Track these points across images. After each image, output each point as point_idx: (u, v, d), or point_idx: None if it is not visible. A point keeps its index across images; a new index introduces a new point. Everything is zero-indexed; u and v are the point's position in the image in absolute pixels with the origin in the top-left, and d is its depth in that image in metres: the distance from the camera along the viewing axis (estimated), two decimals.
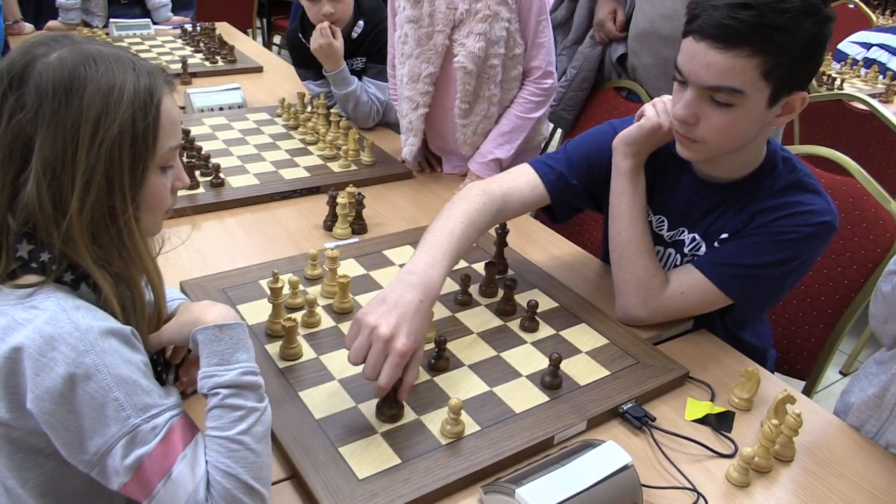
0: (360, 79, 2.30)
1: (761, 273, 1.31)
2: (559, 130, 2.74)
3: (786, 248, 1.29)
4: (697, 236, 1.41)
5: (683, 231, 1.43)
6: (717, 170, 1.37)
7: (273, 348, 1.26)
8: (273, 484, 1.03)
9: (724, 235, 1.37)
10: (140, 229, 0.91)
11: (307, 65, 2.37)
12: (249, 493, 0.87)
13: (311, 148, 2.13)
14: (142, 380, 0.86)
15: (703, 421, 1.21)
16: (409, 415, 1.14)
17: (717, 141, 1.25)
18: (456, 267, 1.57)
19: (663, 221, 1.46)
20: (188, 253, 1.58)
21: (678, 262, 1.44)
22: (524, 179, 1.45)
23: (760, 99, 1.19)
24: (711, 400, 1.26)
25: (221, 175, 1.86)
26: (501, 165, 2.01)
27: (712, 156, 1.30)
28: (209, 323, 0.93)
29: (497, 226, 1.54)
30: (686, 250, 1.43)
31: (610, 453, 1.02)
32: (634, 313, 1.38)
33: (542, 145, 2.23)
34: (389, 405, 1.12)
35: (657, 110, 1.38)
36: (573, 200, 1.51)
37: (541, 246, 1.73)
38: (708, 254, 1.38)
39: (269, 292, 1.30)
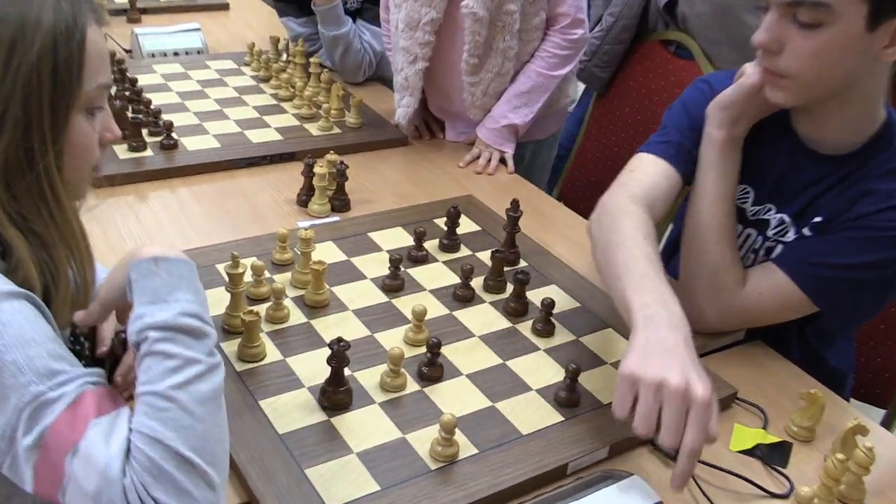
0: (353, 21, 2.30)
1: (859, 277, 1.29)
2: (577, 95, 2.72)
3: (891, 247, 1.27)
4: (787, 218, 1.40)
5: (770, 209, 1.42)
6: (823, 132, 1.34)
7: (230, 347, 1.26)
8: None
9: (819, 219, 1.35)
10: (63, 182, 0.91)
11: None
12: (184, 467, 0.81)
13: (285, 105, 2.13)
14: (49, 343, 0.83)
15: (751, 452, 1.21)
16: (392, 432, 1.14)
17: (805, 74, 1.23)
18: (456, 255, 1.57)
19: (748, 193, 1.45)
20: (130, 229, 1.59)
21: (757, 246, 1.44)
22: (653, 169, 1.44)
23: (855, 18, 1.17)
24: (764, 427, 1.26)
25: (174, 135, 1.86)
26: (517, 132, 2.01)
27: (807, 99, 1.28)
28: (145, 256, 0.91)
29: (510, 205, 1.54)
30: (770, 233, 1.42)
31: (635, 489, 1.03)
32: (699, 312, 1.35)
33: (570, 110, 2.23)
34: (337, 384, 1.13)
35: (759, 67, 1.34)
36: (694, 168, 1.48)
37: (562, 232, 1.73)
38: (793, 247, 1.37)
39: (227, 279, 1.30)
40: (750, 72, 1.35)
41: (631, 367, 1.03)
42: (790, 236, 1.40)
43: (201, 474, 0.82)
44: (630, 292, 1.15)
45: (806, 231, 1.37)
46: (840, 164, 1.35)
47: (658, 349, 1.05)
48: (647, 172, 1.43)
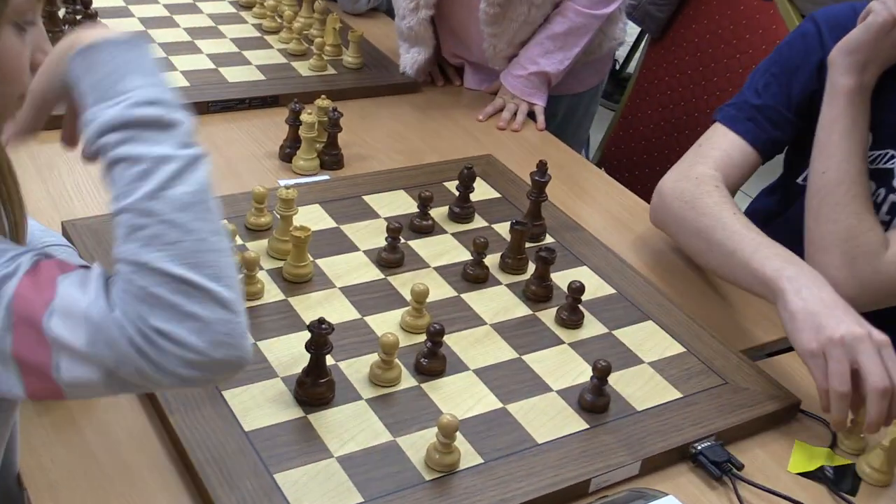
0: None
1: None
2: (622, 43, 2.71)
3: None
4: None
5: (892, 156, 1.45)
6: None
7: None
8: None
9: None
10: None
11: None
12: (181, 288, 0.80)
13: (269, 38, 2.14)
14: None
15: (814, 475, 1.22)
16: (381, 435, 1.16)
17: None
18: (468, 226, 1.58)
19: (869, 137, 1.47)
20: (77, 181, 1.60)
21: (880, 201, 1.48)
22: (726, 144, 1.56)
23: None
24: (832, 447, 1.27)
25: None
26: (550, 82, 2.01)
27: None
28: (78, 46, 0.87)
29: (536, 167, 1.55)
30: (895, 183, 1.45)
31: None
32: (838, 283, 1.35)
33: (614, 56, 2.22)
34: (317, 375, 1.16)
35: (888, 3, 1.38)
36: (791, 137, 1.59)
37: (599, 203, 1.74)
38: None
39: None
40: (878, 9, 1.38)
41: (810, 339, 1.23)
42: None
43: (204, 292, 0.80)
44: (756, 264, 1.34)
45: None
46: None
47: (821, 307, 1.25)
48: (718, 147, 1.55)
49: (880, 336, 1.22)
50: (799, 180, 1.61)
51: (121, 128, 0.83)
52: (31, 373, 0.83)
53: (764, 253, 1.35)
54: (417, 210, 1.55)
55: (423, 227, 1.54)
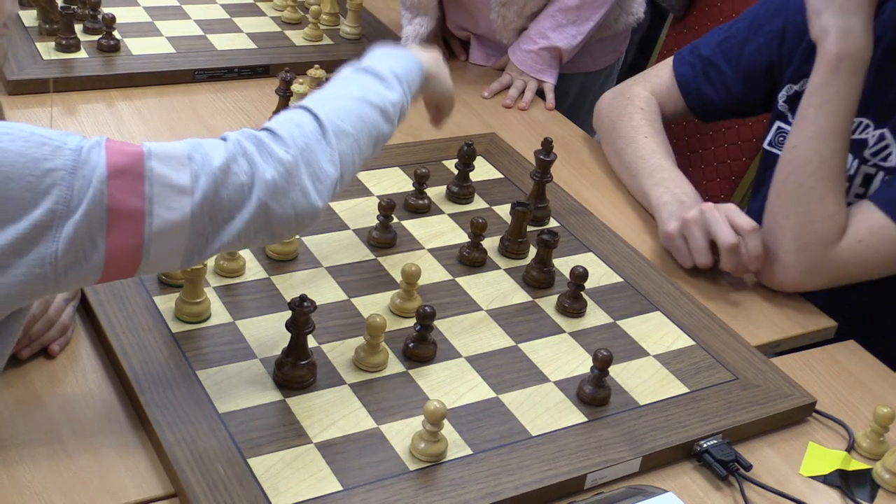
0: None
1: None
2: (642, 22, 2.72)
3: None
4: (888, 133, 1.46)
5: (867, 126, 1.49)
6: None
7: (166, 302, 1.29)
8: (146, 503, 1.06)
9: None
10: None
11: None
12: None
13: (262, 5, 2.15)
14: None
15: (829, 480, 1.23)
16: (363, 421, 1.17)
17: None
18: (467, 207, 1.59)
19: None
20: None
21: (853, 172, 1.52)
22: (667, 77, 1.79)
23: None
24: (848, 450, 1.27)
25: (116, 34, 1.89)
26: (561, 58, 2.02)
27: None
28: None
29: (541, 145, 1.56)
30: (867, 154, 1.49)
31: None
32: (781, 268, 1.45)
33: (631, 33, 2.23)
34: (297, 356, 1.17)
35: None
36: (724, 100, 1.74)
37: (608, 187, 1.75)
38: (894, 181, 1.42)
39: None
40: None
41: (671, 222, 1.51)
42: (893, 159, 1.44)
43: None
44: (647, 189, 1.62)
45: None
46: None
47: (683, 209, 1.51)
48: (659, 76, 1.78)
49: (725, 205, 1.47)
50: (764, 144, 1.69)
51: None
52: (120, 228, 0.94)
53: (656, 179, 1.61)
54: (413, 188, 1.56)
55: (418, 206, 1.55)
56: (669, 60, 1.80)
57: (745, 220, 1.46)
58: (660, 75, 1.79)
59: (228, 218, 1.01)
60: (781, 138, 1.64)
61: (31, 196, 0.90)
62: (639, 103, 1.75)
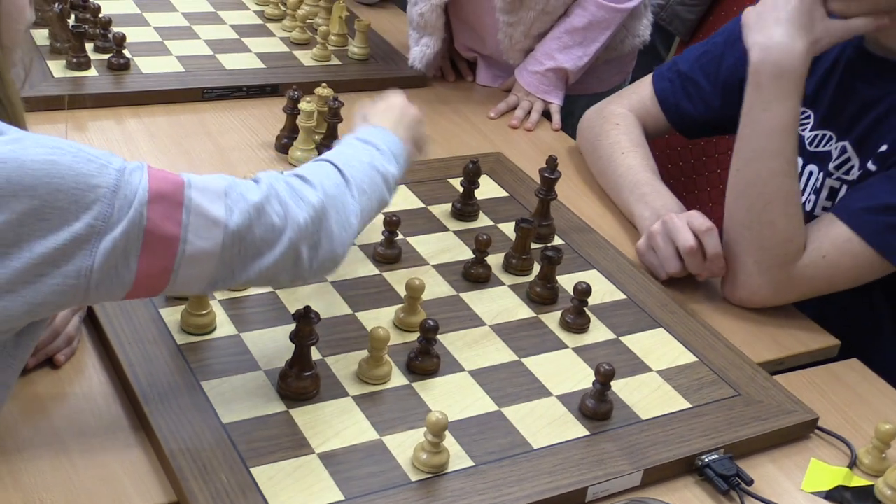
0: None
1: None
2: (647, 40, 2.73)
3: None
4: (849, 147, 1.48)
5: (829, 137, 1.50)
6: (891, 39, 1.44)
7: (172, 315, 1.30)
8: None
9: (884, 147, 1.42)
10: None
11: None
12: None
13: (272, 26, 2.17)
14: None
15: (831, 496, 1.23)
16: (366, 432, 1.18)
17: None
18: (472, 224, 1.60)
19: (808, 117, 1.54)
20: None
21: (819, 185, 1.53)
22: (646, 94, 1.81)
23: None
24: (850, 466, 1.27)
25: (127, 53, 1.91)
26: (567, 79, 2.03)
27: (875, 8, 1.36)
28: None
29: (546, 163, 1.57)
30: (831, 167, 1.51)
31: None
32: (749, 289, 1.47)
33: (637, 55, 2.25)
34: (301, 368, 1.19)
35: None
36: (703, 115, 1.75)
37: (613, 206, 1.75)
38: (853, 193, 1.43)
39: None
40: None
41: (641, 240, 1.56)
42: (855, 172, 1.46)
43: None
44: (630, 204, 1.66)
45: (871, 165, 1.43)
46: None
47: (664, 224, 1.52)
48: (638, 93, 1.81)
49: (687, 213, 1.51)
50: None
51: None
52: (153, 250, 0.97)
53: (637, 195, 1.65)
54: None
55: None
56: (649, 78, 1.82)
57: (700, 222, 1.48)
58: (639, 92, 1.82)
59: (257, 255, 1.04)
60: None
61: (74, 209, 0.92)
62: (614, 120, 1.78)
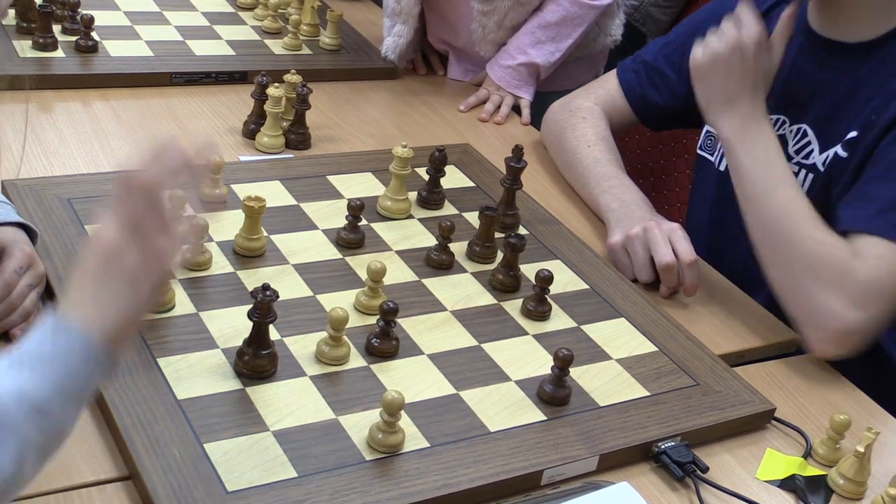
0: None
1: None
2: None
3: None
4: (809, 130, 1.51)
5: (783, 122, 1.52)
6: (840, 24, 1.48)
7: None
8: (99, 484, 1.07)
9: (854, 134, 1.45)
10: None
11: None
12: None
13: (244, 15, 2.18)
14: None
15: (785, 484, 1.24)
16: (322, 412, 1.18)
17: None
18: (437, 212, 1.61)
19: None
20: (26, 145, 1.62)
21: None
22: (612, 87, 1.83)
23: None
24: (805, 456, 1.28)
25: (95, 35, 1.91)
26: (539, 74, 2.04)
27: None
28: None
29: (511, 153, 1.58)
30: (791, 151, 1.53)
31: (621, 499, 1.05)
32: (842, 318, 1.37)
33: (609, 54, 2.26)
34: (258, 346, 1.18)
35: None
36: (669, 104, 1.77)
37: (580, 201, 1.76)
38: (853, 204, 1.43)
39: None
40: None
41: (615, 235, 1.55)
42: (816, 156, 1.48)
43: None
44: (596, 197, 1.67)
45: (841, 151, 1.45)
46: (865, 55, 1.45)
47: (630, 219, 1.56)
48: (604, 87, 1.84)
49: (669, 224, 1.52)
50: (698, 149, 1.75)
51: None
52: None
53: (603, 187, 1.66)
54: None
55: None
56: (613, 72, 1.84)
57: (685, 250, 1.49)
58: (605, 86, 1.84)
59: None
60: (709, 141, 1.71)
61: None
62: (581, 114, 1.79)
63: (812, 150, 1.52)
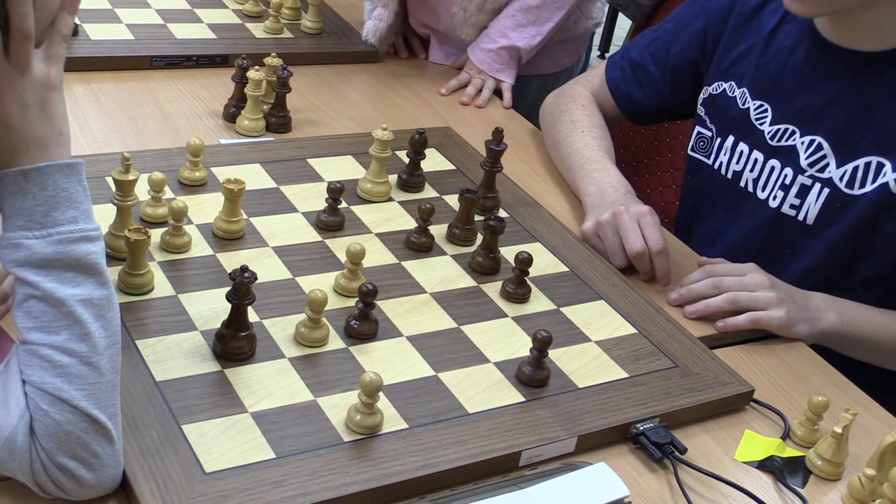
0: None
1: None
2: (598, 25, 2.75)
3: None
4: (824, 143, 1.49)
5: (793, 133, 1.51)
6: (856, 31, 1.46)
7: (111, 274, 1.29)
8: None
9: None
10: None
11: None
12: (91, 427, 0.96)
13: None
14: None
15: (763, 465, 1.25)
16: (301, 393, 1.18)
17: None
18: (417, 195, 1.60)
19: (765, 110, 1.55)
20: None
21: (788, 182, 1.53)
22: (603, 80, 1.83)
23: None
24: (784, 438, 1.29)
25: (75, 19, 1.89)
26: (520, 58, 2.04)
27: (837, 6, 1.38)
28: (14, 165, 0.98)
29: (492, 135, 1.58)
30: (804, 164, 1.51)
31: (598, 479, 1.06)
32: None
33: (591, 37, 2.26)
34: (237, 328, 1.18)
35: None
36: (653, 102, 1.78)
37: (561, 184, 1.76)
38: None
39: (113, 188, 1.33)
40: None
41: (588, 221, 1.55)
42: (832, 170, 1.47)
43: (104, 432, 0.98)
44: (578, 180, 1.66)
45: (892, 185, 1.45)
46: (883, 65, 1.44)
47: (602, 204, 1.56)
48: (598, 77, 1.83)
49: (639, 208, 1.50)
50: (688, 150, 1.74)
51: (48, 266, 0.97)
52: None
53: (585, 170, 1.65)
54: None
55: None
56: (602, 64, 1.86)
57: (654, 238, 1.48)
58: (598, 76, 1.84)
59: None
60: (702, 143, 1.69)
61: None
62: (580, 101, 1.80)
63: (828, 164, 1.49)
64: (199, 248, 1.38)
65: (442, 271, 1.44)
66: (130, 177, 1.31)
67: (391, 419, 1.16)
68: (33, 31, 0.97)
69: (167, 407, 1.12)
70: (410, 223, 1.52)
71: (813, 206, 1.52)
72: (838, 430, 1.22)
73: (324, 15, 2.12)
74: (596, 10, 2.15)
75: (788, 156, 1.53)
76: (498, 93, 2.04)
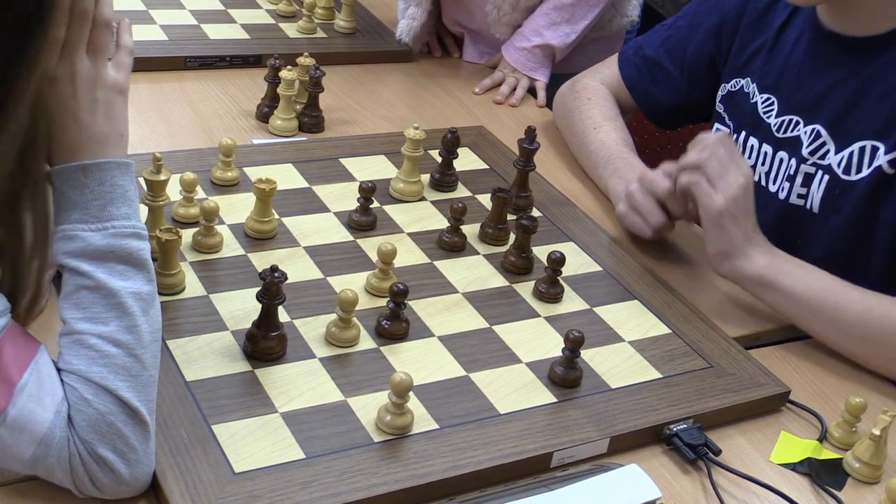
0: None
1: None
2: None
3: None
4: (822, 130, 1.48)
5: (798, 123, 1.50)
6: (851, 17, 1.46)
7: None
8: None
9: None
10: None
11: None
12: (132, 419, 0.98)
13: None
14: None
15: (799, 468, 1.23)
16: (331, 393, 1.17)
17: None
18: (450, 195, 1.60)
19: (772, 103, 1.55)
20: None
21: (793, 172, 1.52)
22: (616, 73, 1.81)
23: None
24: (821, 440, 1.27)
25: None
26: (554, 56, 2.03)
27: None
28: (73, 161, 1.02)
29: (525, 134, 1.57)
30: (805, 152, 1.51)
31: (630, 481, 1.05)
32: None
33: (625, 36, 2.24)
34: (267, 328, 1.18)
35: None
36: (672, 99, 1.76)
37: (594, 183, 1.75)
38: None
39: (144, 188, 1.33)
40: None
41: (619, 205, 1.56)
42: (832, 157, 1.47)
43: (144, 426, 1.00)
44: (603, 177, 1.66)
45: (886, 167, 1.43)
46: (877, 49, 1.44)
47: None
48: (611, 69, 1.81)
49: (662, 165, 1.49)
50: None
51: (99, 257, 1.00)
52: None
53: (609, 169, 1.65)
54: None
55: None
56: (615, 57, 1.83)
57: (669, 168, 1.46)
58: (610, 68, 1.82)
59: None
60: None
61: None
62: (587, 94, 1.78)
63: (828, 151, 1.49)
64: (231, 248, 1.38)
65: (474, 271, 1.43)
66: (162, 177, 1.32)
67: (422, 419, 1.16)
68: (113, 19, 1.04)
69: (197, 407, 1.12)
70: (442, 223, 1.51)
71: (816, 193, 1.51)
72: (877, 432, 1.20)
73: (357, 14, 2.12)
74: (631, 7, 2.14)
75: (794, 146, 1.52)
76: (532, 91, 2.03)
